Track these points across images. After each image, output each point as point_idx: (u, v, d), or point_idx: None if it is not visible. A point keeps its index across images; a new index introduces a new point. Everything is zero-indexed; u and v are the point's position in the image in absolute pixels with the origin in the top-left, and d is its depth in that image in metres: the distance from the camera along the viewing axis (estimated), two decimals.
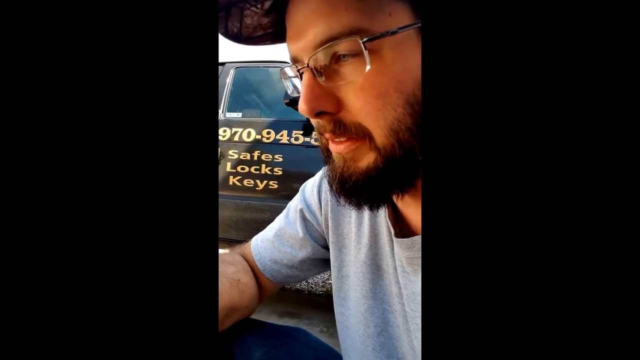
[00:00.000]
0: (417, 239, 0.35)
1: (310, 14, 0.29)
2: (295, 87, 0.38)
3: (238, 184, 1.75)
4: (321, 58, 0.29)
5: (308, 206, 0.50)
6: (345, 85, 0.29)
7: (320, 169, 0.51)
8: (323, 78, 0.30)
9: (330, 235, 0.47)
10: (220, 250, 0.56)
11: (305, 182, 0.53)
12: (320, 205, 0.48)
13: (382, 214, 0.41)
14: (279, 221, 0.52)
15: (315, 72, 0.30)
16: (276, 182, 1.71)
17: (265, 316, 1.58)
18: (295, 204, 0.52)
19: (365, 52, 0.27)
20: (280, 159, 1.72)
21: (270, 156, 1.73)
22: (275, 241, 0.50)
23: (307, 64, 0.30)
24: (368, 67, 0.28)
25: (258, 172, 1.73)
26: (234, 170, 1.77)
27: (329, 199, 0.47)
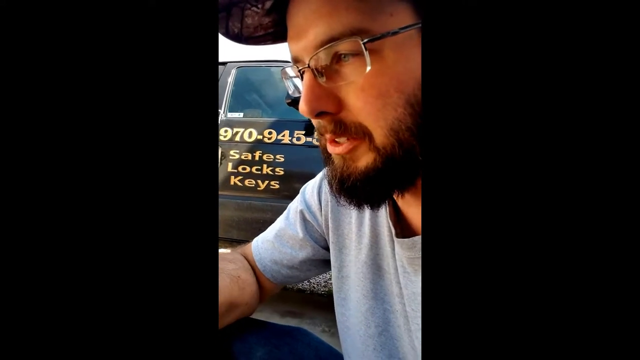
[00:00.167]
0: (418, 239, 0.35)
1: (311, 14, 0.29)
2: (296, 87, 0.38)
3: (239, 184, 1.76)
4: (322, 58, 0.29)
5: (308, 207, 0.50)
6: (346, 85, 0.29)
7: (322, 169, 0.50)
8: (324, 78, 0.30)
9: (330, 235, 0.47)
10: (221, 250, 0.57)
11: (305, 184, 0.53)
12: (321, 206, 0.48)
13: (384, 213, 0.41)
14: (279, 222, 0.53)
15: (316, 73, 0.30)
16: (278, 182, 1.71)
17: (267, 316, 1.59)
18: (295, 205, 0.52)
19: (366, 53, 0.27)
20: (282, 159, 1.72)
21: (272, 156, 1.73)
22: (276, 242, 0.51)
23: (308, 64, 0.30)
24: (369, 68, 0.28)
25: (259, 172, 1.73)
26: (236, 170, 1.77)
27: (329, 200, 0.47)
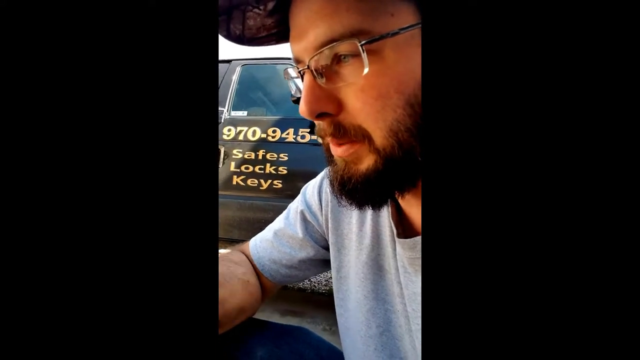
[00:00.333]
0: (419, 240, 0.35)
1: (312, 15, 0.29)
2: (298, 87, 0.38)
3: (242, 183, 1.75)
4: (322, 59, 0.29)
5: (309, 207, 0.50)
6: (346, 86, 0.29)
7: (325, 167, 0.51)
8: (324, 79, 0.30)
9: (330, 236, 0.47)
10: (222, 250, 0.57)
11: (306, 184, 0.53)
12: (321, 205, 0.48)
13: (385, 214, 0.41)
14: (278, 222, 0.53)
15: (315, 74, 0.30)
16: (280, 181, 1.70)
17: (268, 315, 1.58)
18: (295, 205, 0.52)
19: (364, 55, 0.27)
20: (286, 158, 1.71)
21: (275, 155, 1.72)
22: (275, 241, 0.51)
23: (308, 65, 0.30)
24: (366, 70, 0.28)
25: (262, 171, 1.73)
26: (238, 170, 1.76)
27: (330, 200, 0.47)
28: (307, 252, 0.49)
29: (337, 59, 0.29)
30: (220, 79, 1.96)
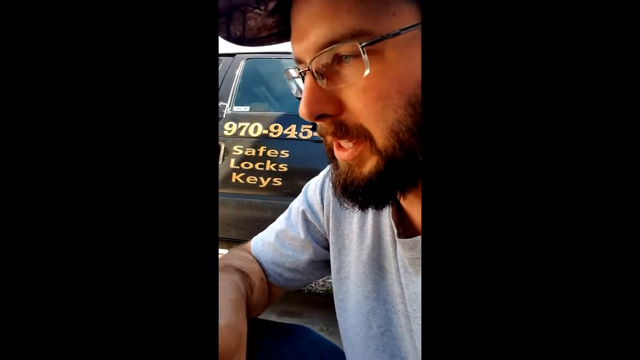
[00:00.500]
0: (420, 240, 0.35)
1: (313, 16, 0.29)
2: (299, 87, 0.38)
3: (241, 181, 1.72)
4: (323, 60, 0.29)
5: (310, 207, 0.50)
6: (347, 87, 0.29)
7: (327, 165, 0.50)
8: (324, 80, 0.30)
9: (331, 236, 0.47)
10: (221, 251, 0.55)
11: (308, 182, 0.52)
12: (323, 205, 0.48)
13: (386, 213, 0.41)
14: (280, 223, 0.52)
15: (316, 75, 0.30)
16: (280, 179, 1.67)
17: (265, 315, 1.56)
18: (297, 205, 0.51)
19: (364, 56, 0.27)
20: (287, 155, 1.68)
21: (277, 152, 1.69)
22: (277, 244, 0.50)
23: (309, 67, 0.30)
24: (367, 71, 0.28)
25: (262, 168, 1.69)
26: (238, 167, 1.73)
27: (331, 200, 0.47)
28: (309, 253, 0.49)
29: (338, 59, 0.29)
30: (223, 73, 1.93)
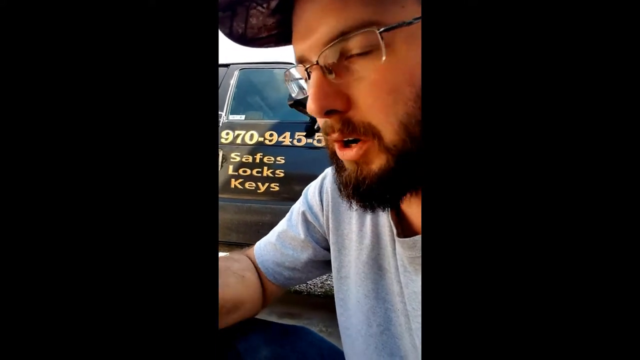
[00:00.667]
0: (419, 239, 0.35)
1: (320, 11, 0.28)
2: (300, 88, 0.38)
3: (239, 186, 1.76)
4: (331, 55, 0.29)
5: (310, 208, 0.50)
6: (356, 81, 0.29)
7: (322, 170, 0.52)
8: (333, 75, 0.29)
9: (330, 236, 0.47)
10: (221, 253, 0.58)
11: (308, 185, 0.54)
12: (322, 206, 0.49)
13: (385, 214, 0.41)
14: (281, 225, 0.53)
15: (324, 70, 0.29)
16: (277, 184, 1.71)
17: (264, 317, 1.56)
18: (298, 206, 0.52)
19: (382, 42, 0.27)
20: (283, 161, 1.72)
21: (273, 158, 1.73)
22: (278, 244, 0.51)
23: (317, 62, 0.29)
24: (384, 58, 0.27)
25: (260, 174, 1.74)
26: (236, 173, 1.77)
27: (330, 200, 0.47)
28: (308, 253, 0.49)
29: (347, 53, 0.29)
30: (218, 82, 1.97)
